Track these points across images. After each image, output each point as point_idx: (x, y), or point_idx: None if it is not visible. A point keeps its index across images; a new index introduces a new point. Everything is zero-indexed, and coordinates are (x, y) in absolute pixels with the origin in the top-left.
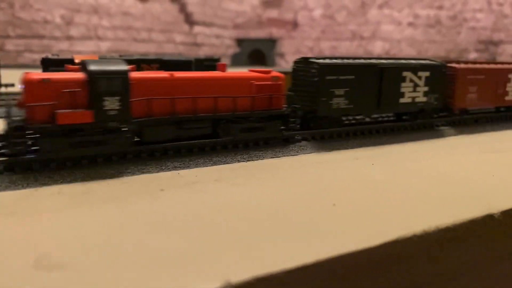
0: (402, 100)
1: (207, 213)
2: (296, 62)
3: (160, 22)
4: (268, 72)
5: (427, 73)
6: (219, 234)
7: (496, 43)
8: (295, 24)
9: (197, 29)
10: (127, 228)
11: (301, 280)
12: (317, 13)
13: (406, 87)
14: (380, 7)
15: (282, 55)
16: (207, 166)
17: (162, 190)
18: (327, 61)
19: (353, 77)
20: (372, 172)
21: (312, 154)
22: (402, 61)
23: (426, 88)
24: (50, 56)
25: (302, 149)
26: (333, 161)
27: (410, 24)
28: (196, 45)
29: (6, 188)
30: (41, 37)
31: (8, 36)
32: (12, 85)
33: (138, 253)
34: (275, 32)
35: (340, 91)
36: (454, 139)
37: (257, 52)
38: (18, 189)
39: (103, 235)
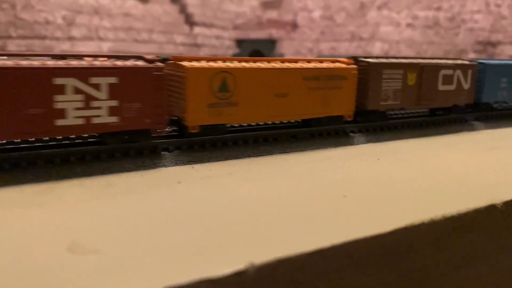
0: None
1: (225, 203)
2: None
3: (161, 23)
4: None
5: None
6: (239, 222)
7: (494, 44)
8: (294, 25)
9: (197, 30)
10: (150, 217)
11: (319, 262)
12: (317, 14)
13: None
14: (379, 8)
15: (281, 56)
16: (219, 161)
17: (179, 183)
18: None
19: None
20: (378, 166)
21: (319, 150)
22: None
23: None
24: None
25: (310, 145)
26: (340, 156)
27: (408, 25)
28: (197, 46)
29: (30, 181)
30: (43, 37)
31: (10, 37)
32: None
33: (164, 240)
34: (274, 33)
35: None
36: (454, 137)
37: (257, 52)
38: (42, 182)
39: (128, 224)
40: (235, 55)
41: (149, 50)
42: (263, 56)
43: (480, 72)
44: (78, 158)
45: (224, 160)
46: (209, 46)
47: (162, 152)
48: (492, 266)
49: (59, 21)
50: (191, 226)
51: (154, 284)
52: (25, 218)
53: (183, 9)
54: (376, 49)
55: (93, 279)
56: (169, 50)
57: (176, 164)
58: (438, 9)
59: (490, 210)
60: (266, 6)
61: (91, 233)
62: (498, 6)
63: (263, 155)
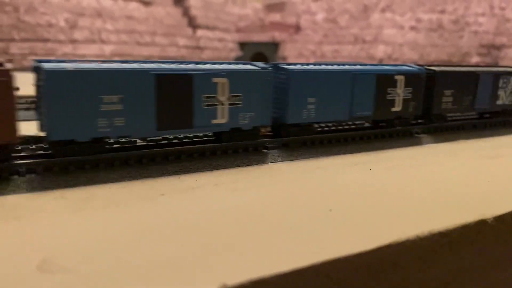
0: None
1: (205, 217)
2: None
3: (163, 25)
4: None
5: None
6: (217, 238)
7: (498, 47)
8: (297, 28)
9: (200, 32)
10: (128, 233)
11: (296, 283)
12: (320, 17)
13: None
14: (383, 11)
15: (284, 59)
16: (207, 171)
17: (163, 195)
18: None
19: None
20: (369, 177)
21: (311, 159)
22: None
23: None
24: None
25: (301, 154)
26: (332, 166)
27: (412, 28)
28: (199, 48)
29: (10, 192)
30: (46, 40)
31: (12, 40)
32: (17, 88)
33: (139, 258)
34: (277, 35)
35: None
36: (450, 145)
37: (259, 55)
38: (23, 192)
39: (105, 240)
40: (238, 57)
41: (151, 52)
42: (266, 59)
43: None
44: (61, 168)
45: (211, 170)
46: (212, 49)
47: (148, 163)
48: (482, 282)
49: (62, 23)
50: (169, 242)
51: None
52: (0, 233)
53: (186, 12)
54: (379, 52)
55: None
56: (172, 52)
57: (162, 174)
58: (442, 11)
59: (480, 225)
60: (269, 8)
61: (66, 249)
62: (503, 9)
63: (253, 165)
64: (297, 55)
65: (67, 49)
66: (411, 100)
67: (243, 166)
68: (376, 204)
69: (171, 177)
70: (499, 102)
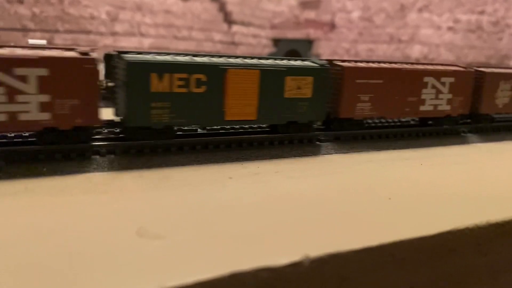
0: None
1: (275, 199)
2: None
3: (200, 20)
4: None
5: None
6: (290, 216)
7: None
8: (332, 26)
9: (235, 28)
10: (207, 208)
11: (365, 259)
12: (355, 15)
13: None
14: (420, 10)
15: (318, 56)
16: (266, 159)
17: (231, 178)
18: None
19: None
20: (422, 171)
21: (362, 153)
22: None
23: None
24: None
25: (353, 147)
26: (384, 160)
27: (450, 29)
28: (234, 44)
29: (94, 170)
30: (88, 32)
31: (57, 31)
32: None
33: (223, 229)
34: (312, 33)
35: None
36: (496, 145)
37: (293, 52)
38: (105, 171)
39: (187, 214)
40: (271, 54)
41: (187, 47)
42: (300, 56)
43: None
44: (138, 150)
45: (270, 158)
46: (246, 45)
47: (213, 149)
48: None
49: (103, 16)
50: (246, 217)
51: (221, 268)
52: (95, 204)
53: (222, 7)
54: (415, 52)
55: (166, 261)
56: (207, 47)
57: (226, 160)
58: (482, 12)
59: None
60: (304, 6)
61: (156, 220)
62: None
63: (308, 155)
64: (331, 52)
65: (108, 41)
66: None
67: (298, 156)
68: (432, 195)
69: (234, 164)
70: None
